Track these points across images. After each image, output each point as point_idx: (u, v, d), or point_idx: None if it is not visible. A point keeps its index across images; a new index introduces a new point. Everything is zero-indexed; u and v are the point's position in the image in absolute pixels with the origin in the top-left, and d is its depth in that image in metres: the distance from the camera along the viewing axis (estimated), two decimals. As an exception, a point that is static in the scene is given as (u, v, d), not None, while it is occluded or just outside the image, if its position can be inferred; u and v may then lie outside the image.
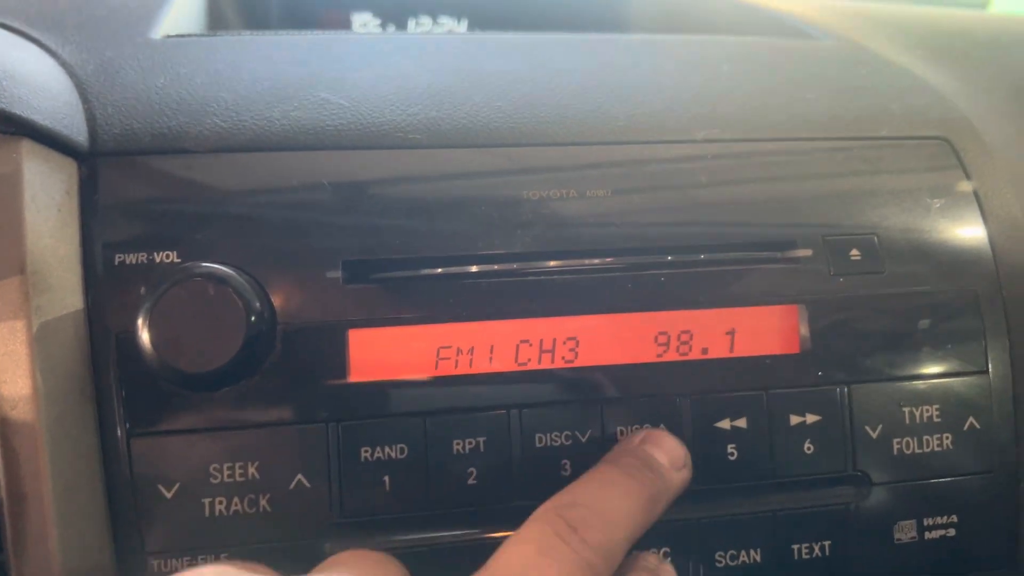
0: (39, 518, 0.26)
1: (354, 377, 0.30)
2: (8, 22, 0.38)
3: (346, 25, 0.64)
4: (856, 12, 0.55)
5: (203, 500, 0.28)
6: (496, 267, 0.31)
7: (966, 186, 0.36)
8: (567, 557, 0.24)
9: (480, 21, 0.65)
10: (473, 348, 0.31)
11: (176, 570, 0.28)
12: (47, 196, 0.29)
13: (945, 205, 0.35)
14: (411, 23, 0.66)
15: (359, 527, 0.29)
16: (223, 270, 0.28)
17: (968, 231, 0.35)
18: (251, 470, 0.29)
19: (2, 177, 0.29)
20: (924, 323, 0.33)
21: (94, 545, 0.28)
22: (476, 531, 0.30)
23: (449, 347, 0.31)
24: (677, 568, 0.31)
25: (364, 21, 0.65)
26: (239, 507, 0.28)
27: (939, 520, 0.33)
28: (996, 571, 0.34)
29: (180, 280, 0.27)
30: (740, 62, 0.42)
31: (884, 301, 0.33)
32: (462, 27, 0.65)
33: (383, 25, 0.65)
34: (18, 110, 0.29)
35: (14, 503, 0.26)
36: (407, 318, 0.31)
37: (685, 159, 0.35)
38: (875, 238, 0.34)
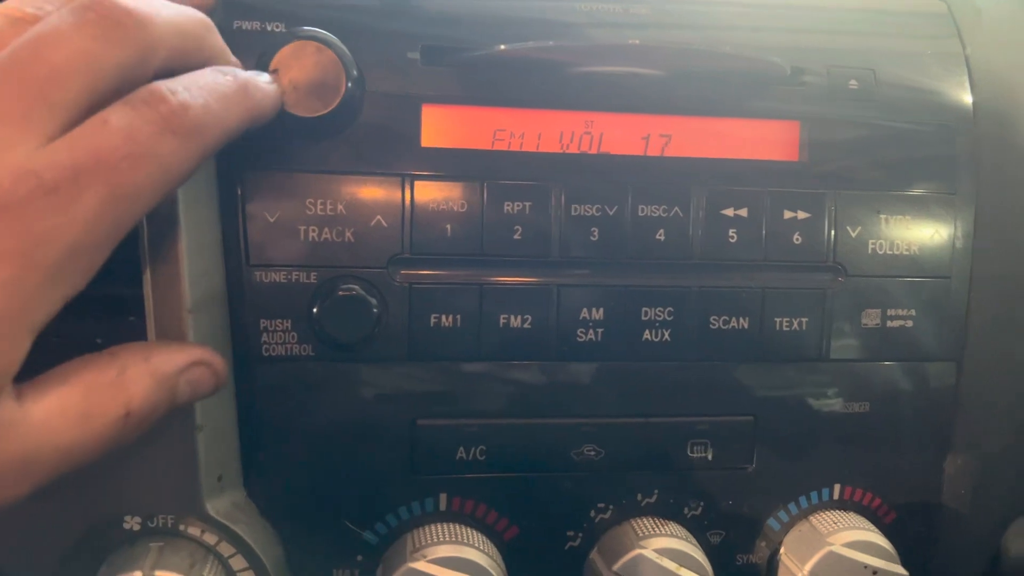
0: (173, 247, 0.32)
1: (425, 143, 0.36)
2: None
3: None
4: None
5: (299, 227, 0.35)
6: (551, 55, 0.37)
7: (958, 47, 0.42)
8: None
9: None
10: (524, 133, 0.37)
11: (272, 280, 0.35)
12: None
13: (936, 55, 0.41)
14: None
15: (424, 262, 0.36)
16: (329, 36, 0.34)
17: (953, 80, 0.41)
18: (340, 208, 0.35)
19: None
20: (906, 148, 0.39)
21: (211, 265, 0.34)
22: (516, 277, 0.37)
23: (504, 130, 0.37)
24: (678, 327, 0.38)
25: None
26: (328, 235, 0.35)
27: (900, 312, 0.39)
28: (943, 360, 0.40)
29: (292, 40, 0.33)
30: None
31: (874, 126, 0.39)
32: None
33: None
34: None
35: (154, 235, 0.31)
36: (471, 98, 0.36)
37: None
38: (873, 73, 0.39)
